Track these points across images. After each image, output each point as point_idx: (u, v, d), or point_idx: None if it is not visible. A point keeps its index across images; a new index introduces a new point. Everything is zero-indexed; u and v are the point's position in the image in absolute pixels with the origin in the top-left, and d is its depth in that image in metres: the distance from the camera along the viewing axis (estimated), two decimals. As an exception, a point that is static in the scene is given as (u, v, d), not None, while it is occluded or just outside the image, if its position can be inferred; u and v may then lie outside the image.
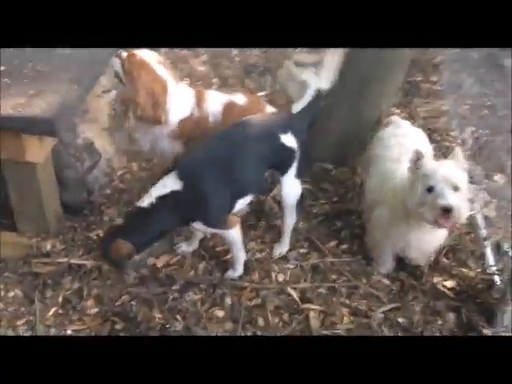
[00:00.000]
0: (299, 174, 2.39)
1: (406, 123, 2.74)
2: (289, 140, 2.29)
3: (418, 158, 2.16)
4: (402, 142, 2.49)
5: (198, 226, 2.25)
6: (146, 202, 2.11)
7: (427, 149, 2.59)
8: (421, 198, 2.13)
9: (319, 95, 2.40)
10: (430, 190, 2.10)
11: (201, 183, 2.14)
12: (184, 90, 2.56)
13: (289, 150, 2.30)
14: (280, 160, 2.33)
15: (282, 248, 2.56)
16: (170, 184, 2.11)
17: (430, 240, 2.36)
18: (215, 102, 2.58)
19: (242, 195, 2.28)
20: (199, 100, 2.55)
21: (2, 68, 2.38)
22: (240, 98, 2.62)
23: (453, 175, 2.11)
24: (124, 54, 2.43)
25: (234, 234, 2.33)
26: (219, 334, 2.21)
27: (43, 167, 2.31)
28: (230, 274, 2.44)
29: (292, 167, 2.34)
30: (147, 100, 2.39)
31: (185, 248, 2.54)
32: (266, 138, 2.28)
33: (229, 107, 2.57)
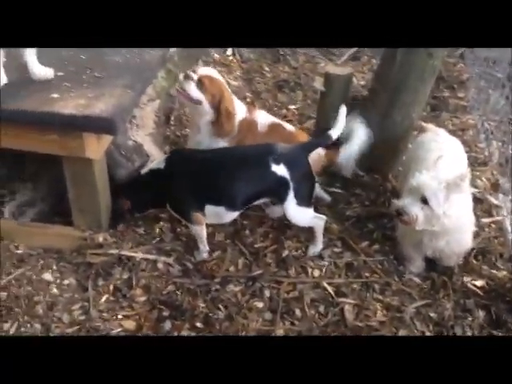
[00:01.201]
0: (302, 203, 2.52)
1: (443, 131, 2.90)
2: (281, 170, 2.44)
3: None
4: (442, 147, 2.63)
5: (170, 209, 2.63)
6: (144, 171, 2.64)
7: (462, 156, 2.73)
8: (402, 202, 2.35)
9: (327, 139, 2.61)
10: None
11: (175, 172, 2.53)
12: (237, 100, 2.85)
13: (280, 180, 2.45)
14: (273, 189, 2.50)
15: (316, 248, 2.69)
16: (161, 162, 2.58)
17: (446, 241, 2.45)
18: (263, 116, 2.87)
19: (212, 203, 2.52)
20: (250, 110, 2.86)
21: (61, 74, 2.57)
22: (289, 126, 2.92)
23: (428, 189, 2.26)
24: (194, 75, 2.64)
25: (196, 228, 2.58)
26: (259, 324, 2.34)
27: (99, 164, 2.48)
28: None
29: (288, 196, 2.48)
30: (227, 117, 2.69)
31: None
32: (257, 165, 2.49)
33: (276, 126, 2.84)
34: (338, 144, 2.86)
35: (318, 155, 2.82)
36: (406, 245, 2.60)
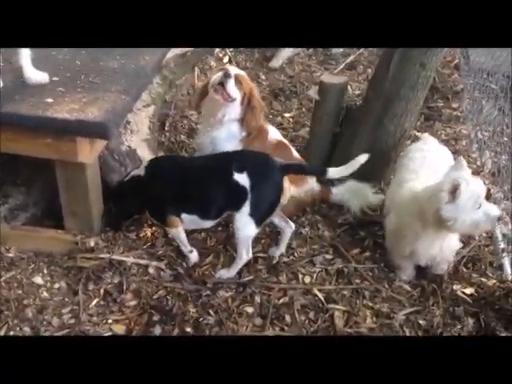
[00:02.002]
0: (254, 216, 2.44)
1: (434, 140, 2.92)
2: (241, 178, 2.41)
3: (456, 189, 2.23)
4: (426, 156, 2.66)
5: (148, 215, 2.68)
6: (126, 178, 2.64)
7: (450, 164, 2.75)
8: (475, 217, 2.27)
9: (319, 172, 2.63)
10: (478, 207, 2.27)
11: (153, 179, 2.55)
12: None
13: (240, 189, 2.42)
14: (232, 196, 2.45)
15: (229, 273, 2.59)
16: (142, 169, 2.59)
17: (440, 246, 2.48)
18: (275, 131, 2.98)
19: (187, 211, 2.54)
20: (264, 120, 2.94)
21: (56, 78, 2.60)
22: (295, 153, 2.97)
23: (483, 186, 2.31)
24: (232, 73, 2.68)
25: (173, 232, 2.60)
26: (249, 329, 2.35)
27: (92, 168, 2.50)
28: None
29: (244, 206, 2.42)
30: (259, 111, 2.80)
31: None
32: (221, 173, 2.49)
33: (284, 146, 2.91)
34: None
35: (312, 189, 2.88)
36: (398, 255, 2.60)
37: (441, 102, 4.30)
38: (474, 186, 2.26)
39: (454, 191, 2.23)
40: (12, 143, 2.41)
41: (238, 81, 2.69)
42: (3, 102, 2.35)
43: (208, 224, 2.63)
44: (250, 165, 2.45)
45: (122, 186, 2.66)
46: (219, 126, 2.79)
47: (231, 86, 2.65)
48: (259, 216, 2.47)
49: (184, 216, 2.55)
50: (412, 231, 2.43)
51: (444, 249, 2.47)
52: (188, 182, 2.52)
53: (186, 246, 2.62)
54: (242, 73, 2.81)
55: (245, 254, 2.55)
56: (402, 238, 2.50)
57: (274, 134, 2.92)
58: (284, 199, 2.51)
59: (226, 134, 2.80)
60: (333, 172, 2.53)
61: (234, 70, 2.78)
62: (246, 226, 2.47)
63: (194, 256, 2.63)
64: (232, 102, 2.70)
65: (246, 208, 2.43)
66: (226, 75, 2.65)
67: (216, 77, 2.69)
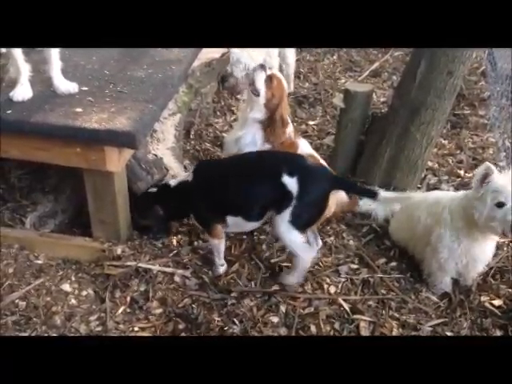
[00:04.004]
0: (295, 222, 2.37)
1: None
2: (290, 183, 2.34)
3: (487, 174, 2.23)
4: None
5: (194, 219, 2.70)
6: (173, 183, 2.66)
7: None
8: (490, 213, 2.23)
9: (373, 196, 2.48)
10: (500, 205, 2.21)
11: (200, 183, 2.54)
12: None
13: (286, 192, 2.34)
14: (277, 198, 2.37)
15: (289, 279, 2.57)
16: (189, 174, 2.59)
17: (487, 251, 2.48)
18: (306, 145, 2.97)
19: (233, 213, 2.50)
20: (295, 131, 2.99)
21: (85, 88, 2.64)
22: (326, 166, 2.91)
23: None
24: (268, 70, 2.78)
25: (215, 243, 2.60)
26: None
27: (119, 177, 2.53)
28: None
29: (286, 210, 2.35)
30: (282, 123, 2.81)
31: None
32: (270, 173, 2.42)
33: (313, 160, 2.85)
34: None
35: (341, 199, 2.84)
36: (450, 266, 2.52)
37: (467, 109, 4.26)
38: (502, 181, 2.21)
39: (484, 179, 2.24)
40: (41, 152, 2.46)
41: (271, 80, 2.75)
42: (33, 112, 2.40)
43: (251, 226, 2.59)
44: (302, 171, 2.38)
45: (170, 191, 2.65)
46: (244, 125, 2.84)
47: (259, 77, 2.73)
48: (300, 222, 2.39)
49: (229, 218, 2.50)
50: (470, 238, 2.40)
51: (478, 256, 2.45)
52: (235, 180, 2.47)
53: (220, 259, 2.63)
54: (282, 79, 2.83)
55: (301, 254, 2.47)
56: (459, 248, 2.44)
57: (304, 148, 2.92)
58: (328, 212, 2.48)
59: (249, 139, 2.83)
60: (385, 195, 2.46)
61: (276, 72, 2.87)
62: (286, 232, 2.39)
63: (223, 269, 2.64)
64: (257, 95, 2.75)
65: (287, 214, 2.35)
66: (260, 66, 2.76)
67: (254, 66, 2.81)
